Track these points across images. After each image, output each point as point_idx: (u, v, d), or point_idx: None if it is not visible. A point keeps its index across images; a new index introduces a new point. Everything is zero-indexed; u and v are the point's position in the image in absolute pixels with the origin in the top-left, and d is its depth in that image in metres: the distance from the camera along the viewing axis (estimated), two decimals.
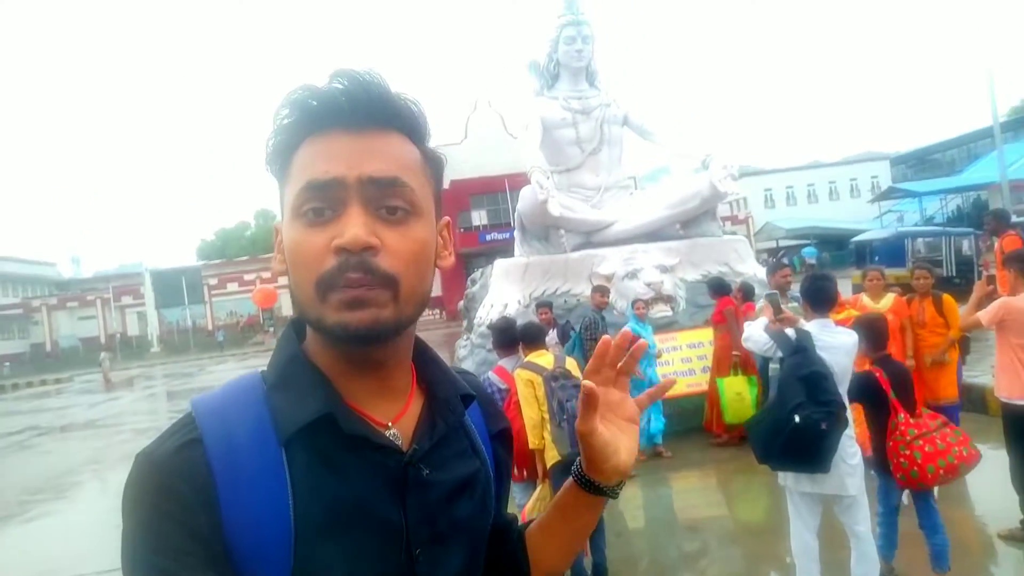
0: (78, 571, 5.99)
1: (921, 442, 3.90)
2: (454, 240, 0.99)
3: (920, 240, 16.01)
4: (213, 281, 47.27)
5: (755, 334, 4.09)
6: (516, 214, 9.64)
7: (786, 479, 3.96)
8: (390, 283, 0.82)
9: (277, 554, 0.79)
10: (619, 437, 0.98)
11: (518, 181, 9.32)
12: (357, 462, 0.84)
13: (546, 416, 4.30)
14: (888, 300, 6.44)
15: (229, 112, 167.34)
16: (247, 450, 0.81)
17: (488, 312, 8.76)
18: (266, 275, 45.45)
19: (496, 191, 34.98)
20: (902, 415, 3.98)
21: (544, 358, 4.49)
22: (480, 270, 11.30)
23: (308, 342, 0.91)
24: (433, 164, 0.92)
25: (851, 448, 3.81)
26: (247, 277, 46.36)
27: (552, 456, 4.28)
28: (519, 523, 1.15)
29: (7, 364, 41.90)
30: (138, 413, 17.61)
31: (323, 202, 0.82)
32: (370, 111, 0.84)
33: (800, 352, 3.74)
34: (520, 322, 6.15)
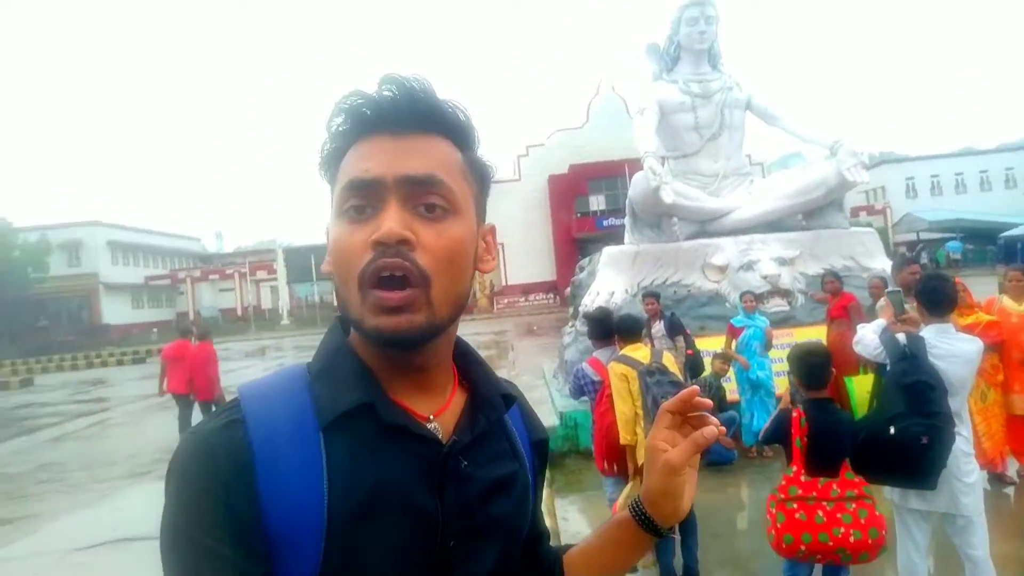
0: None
1: (795, 505, 3.26)
2: (496, 248, 1.00)
3: None
4: None
5: (866, 337, 3.76)
6: (628, 201, 9.44)
7: (893, 494, 3.68)
8: (424, 281, 0.83)
9: (309, 537, 0.80)
10: (685, 480, 0.96)
11: (637, 166, 9.13)
12: (396, 450, 0.86)
13: (639, 412, 4.18)
14: None
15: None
16: (287, 434, 0.84)
17: (594, 300, 8.64)
18: None
19: (615, 175, 34.50)
20: (794, 467, 3.36)
21: (640, 352, 4.36)
22: (588, 257, 11.17)
23: (353, 335, 0.94)
24: (476, 169, 0.94)
25: (967, 465, 3.50)
26: None
27: (644, 454, 4.17)
28: (549, 539, 1.15)
29: (155, 330, 45.58)
30: None
31: (363, 200, 0.85)
32: (413, 115, 0.87)
33: (908, 359, 3.43)
34: (626, 312, 6.02)
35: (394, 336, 0.83)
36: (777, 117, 9.82)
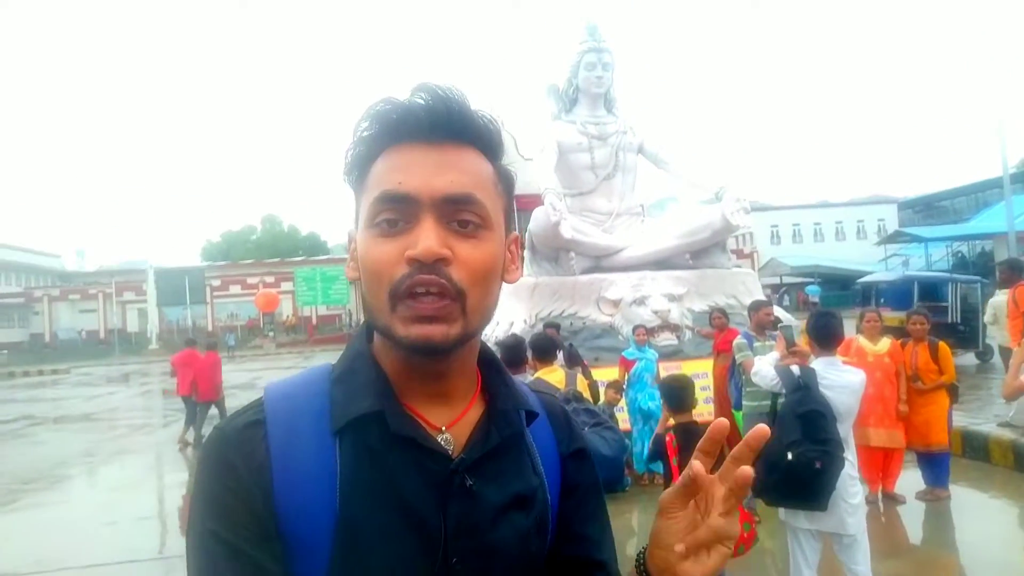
0: (66, 564, 5.95)
1: None
2: (520, 257, 0.99)
3: (959, 284, 15.94)
4: (216, 282, 47.27)
5: (763, 369, 4.09)
6: (527, 234, 9.67)
7: (785, 515, 3.96)
8: (459, 296, 0.83)
9: (319, 541, 0.81)
10: (701, 547, 0.80)
11: (527, 202, 9.36)
12: (403, 461, 0.85)
13: None
14: (885, 344, 6.44)
15: (241, 116, 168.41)
16: (304, 437, 0.85)
17: (493, 330, 8.75)
18: (270, 280, 45.49)
19: None
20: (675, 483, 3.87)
21: (555, 375, 4.46)
22: None
23: (376, 341, 0.93)
24: (505, 180, 0.93)
25: (852, 487, 3.81)
26: (250, 280, 46.34)
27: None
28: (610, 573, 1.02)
29: (5, 352, 41.81)
30: (133, 409, 17.58)
31: (396, 214, 0.84)
32: (448, 126, 0.86)
33: (801, 390, 3.75)
34: (539, 332, 6.14)
35: (426, 345, 0.82)
36: (666, 162, 10.39)
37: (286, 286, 44.15)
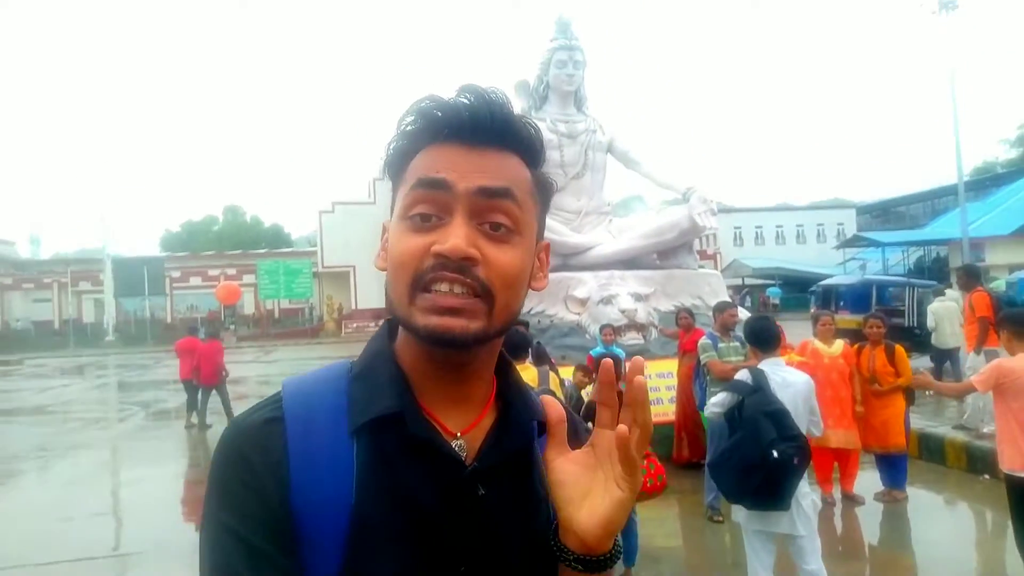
0: (19, 561, 5.79)
1: None
2: (548, 265, 1.00)
3: (885, 289, 16.31)
4: (176, 273, 46.34)
5: (715, 408, 4.15)
6: None
7: (739, 516, 4.02)
8: (486, 295, 0.83)
9: (333, 540, 0.81)
10: (594, 488, 0.83)
11: None
12: (417, 465, 0.85)
13: None
14: (839, 346, 6.56)
15: (205, 103, 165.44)
16: (322, 434, 0.84)
17: None
18: (231, 272, 44.78)
19: None
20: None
21: (527, 372, 4.42)
22: None
23: (398, 340, 0.93)
24: (543, 189, 0.94)
25: (804, 488, 3.87)
26: (211, 272, 45.55)
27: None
28: None
29: None
30: (88, 402, 17.16)
31: (430, 207, 0.84)
32: (491, 129, 0.86)
33: (759, 391, 3.81)
34: (512, 328, 6.10)
35: (444, 336, 0.82)
36: (636, 162, 10.46)
37: (248, 279, 43.47)
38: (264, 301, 44.57)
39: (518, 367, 4.37)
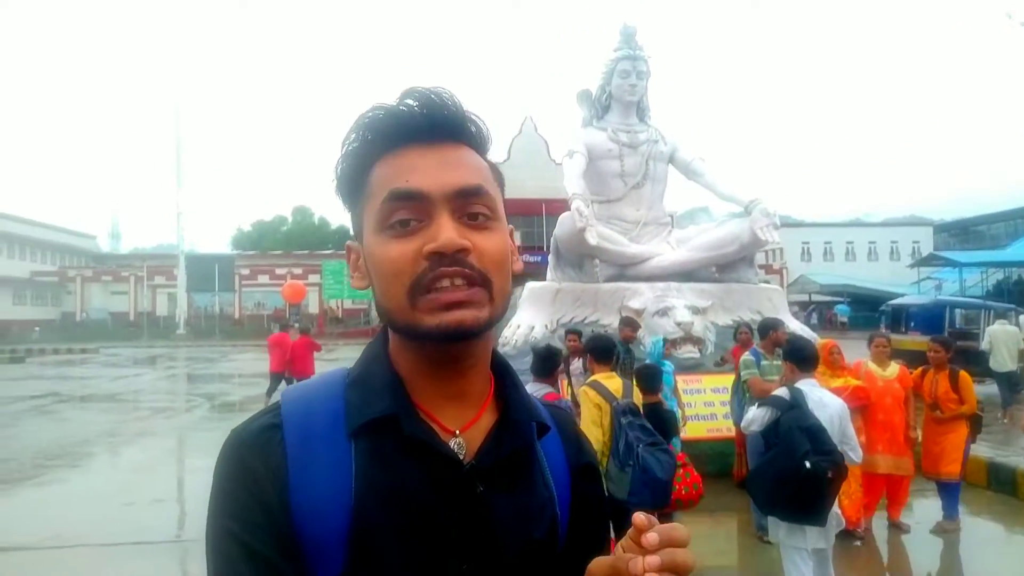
0: (83, 540, 6.06)
1: None
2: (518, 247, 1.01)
3: (959, 311, 15.64)
4: (245, 271, 47.87)
5: (753, 417, 4.26)
6: (552, 239, 9.65)
7: (778, 533, 4.03)
8: (485, 282, 0.85)
9: (334, 542, 0.82)
10: None
11: (555, 206, 9.38)
12: (415, 465, 0.85)
13: (609, 445, 4.19)
14: (894, 369, 6.31)
15: (279, 108, 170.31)
16: (320, 439, 0.86)
17: (513, 332, 8.76)
18: (298, 271, 45.91)
19: (532, 214, 35.07)
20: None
21: (612, 382, 4.41)
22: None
23: (392, 344, 0.94)
24: (498, 175, 0.96)
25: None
26: (279, 271, 46.84)
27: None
28: None
29: (37, 329, 42.69)
30: (158, 392, 17.85)
31: (409, 213, 0.85)
32: (446, 126, 0.88)
33: (796, 408, 3.93)
34: (598, 333, 6.05)
35: (458, 330, 0.83)
36: (698, 173, 10.29)
37: (313, 278, 44.54)
38: (328, 300, 45.56)
39: (604, 374, 4.37)
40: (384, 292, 0.87)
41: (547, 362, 4.73)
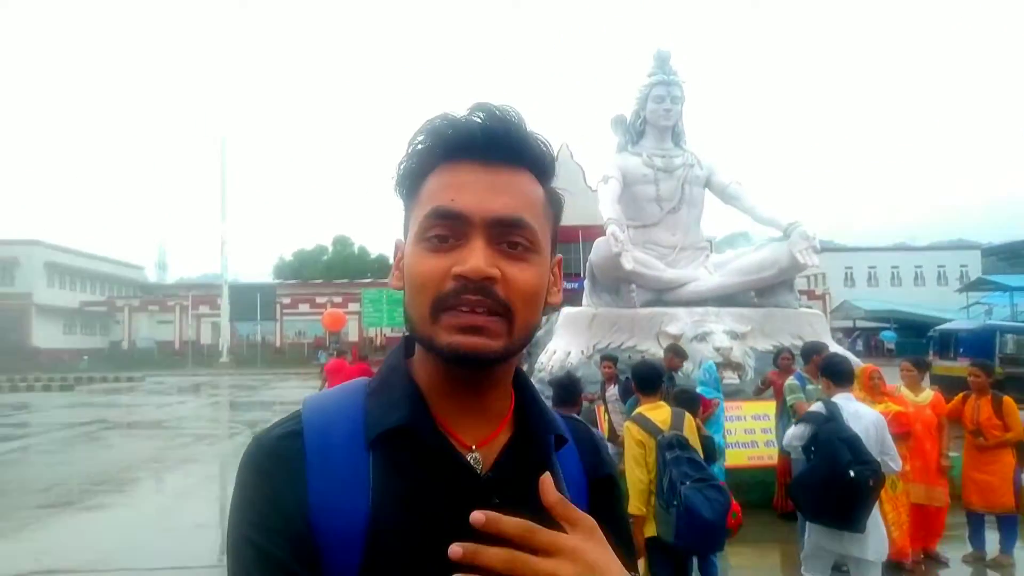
0: (127, 565, 6.15)
1: None
2: (562, 280, 1.00)
3: (1010, 336, 15.15)
4: (286, 300, 48.62)
5: (793, 434, 4.41)
6: (588, 264, 9.63)
7: (810, 537, 4.36)
8: (506, 312, 0.84)
9: (350, 551, 0.82)
10: None
11: (591, 233, 9.36)
12: (433, 476, 0.86)
13: (653, 484, 3.93)
14: (927, 395, 6.15)
15: (320, 139, 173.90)
16: (339, 448, 0.86)
17: (550, 358, 8.73)
18: (338, 300, 46.48)
19: (569, 241, 35.02)
20: None
21: (659, 412, 4.07)
22: (546, 316, 11.31)
23: (415, 356, 0.95)
24: (555, 204, 0.95)
25: (876, 516, 4.15)
26: (319, 300, 47.49)
27: (651, 530, 3.95)
28: None
29: (86, 358, 43.85)
30: (201, 419, 18.14)
31: (447, 230, 0.85)
32: (504, 147, 0.87)
33: (832, 420, 4.10)
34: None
35: (467, 354, 0.83)
36: (735, 197, 10.19)
37: (353, 307, 45.02)
38: (367, 328, 45.98)
39: (649, 405, 4.27)
40: (412, 300, 0.88)
41: (567, 390, 4.52)
